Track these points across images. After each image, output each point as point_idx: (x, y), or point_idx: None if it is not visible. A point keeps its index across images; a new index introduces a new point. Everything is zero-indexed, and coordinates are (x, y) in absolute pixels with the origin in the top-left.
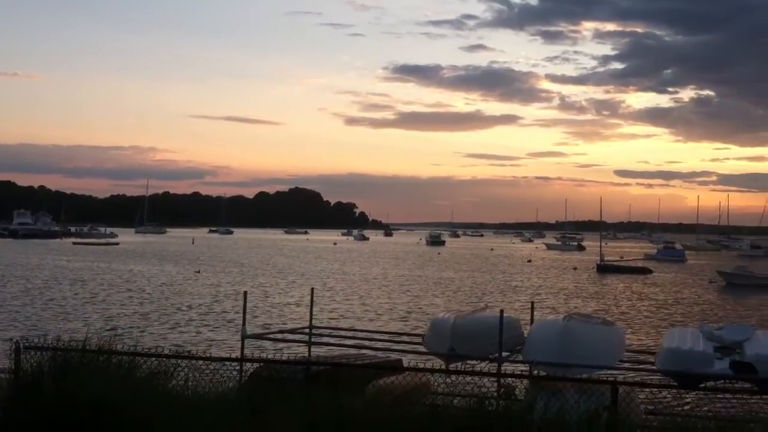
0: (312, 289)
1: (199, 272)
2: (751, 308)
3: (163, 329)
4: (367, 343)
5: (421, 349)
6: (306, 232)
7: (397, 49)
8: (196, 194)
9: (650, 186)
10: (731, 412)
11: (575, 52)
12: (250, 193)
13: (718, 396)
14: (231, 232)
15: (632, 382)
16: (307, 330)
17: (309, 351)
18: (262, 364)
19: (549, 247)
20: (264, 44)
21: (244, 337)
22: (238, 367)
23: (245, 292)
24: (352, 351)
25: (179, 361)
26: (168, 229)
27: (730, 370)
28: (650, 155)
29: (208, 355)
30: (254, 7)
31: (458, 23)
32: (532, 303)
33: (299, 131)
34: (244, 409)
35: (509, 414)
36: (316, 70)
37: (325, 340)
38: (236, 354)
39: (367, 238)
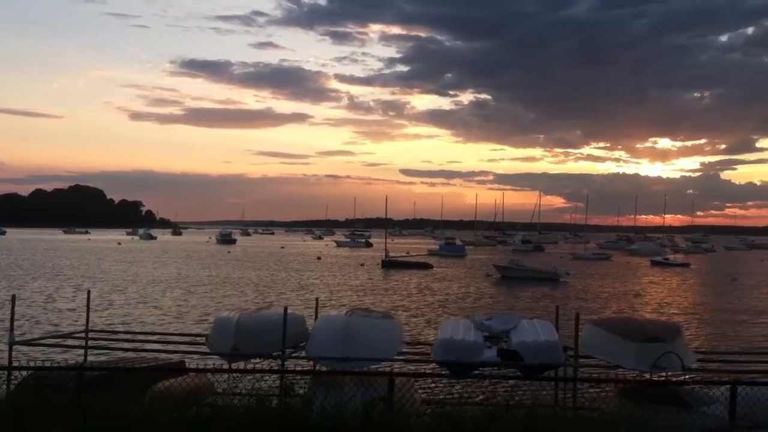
0: (89, 291)
1: None
2: (522, 299)
3: None
4: (149, 345)
5: (206, 349)
6: (87, 232)
7: (185, 43)
8: None
9: (433, 185)
10: (498, 398)
11: (363, 53)
12: (25, 190)
13: (485, 383)
14: (3, 233)
15: (408, 372)
16: (83, 334)
17: (85, 356)
18: (31, 371)
19: (338, 244)
20: (44, 31)
21: (12, 343)
22: (4, 376)
23: (13, 296)
24: (132, 354)
25: None
26: None
27: (497, 358)
28: (433, 155)
29: None
30: None
31: (248, 19)
32: (317, 299)
33: (81, 125)
34: (10, 420)
35: (288, 410)
36: (99, 62)
37: (104, 344)
38: (3, 362)
39: (155, 238)
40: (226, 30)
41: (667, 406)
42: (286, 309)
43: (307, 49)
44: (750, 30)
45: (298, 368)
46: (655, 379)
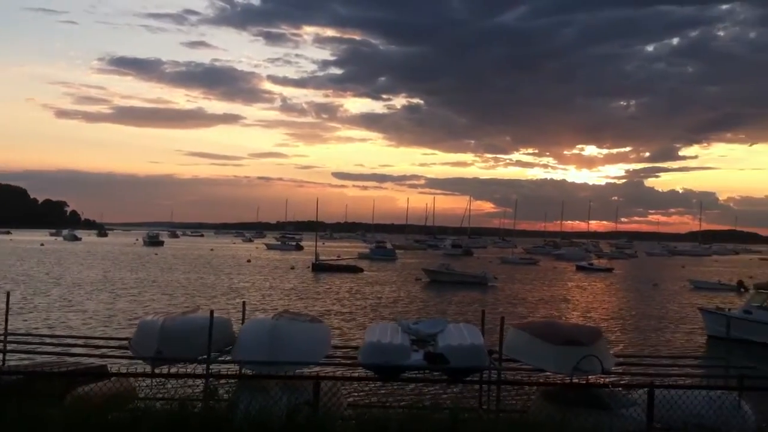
0: (8, 293)
1: None
2: (452, 303)
3: None
4: (71, 350)
5: (129, 353)
6: (9, 232)
7: (115, 40)
8: None
9: (365, 188)
10: (424, 401)
11: (297, 55)
12: None
13: (411, 386)
14: None
15: (334, 376)
16: (1, 338)
17: (3, 360)
18: None
19: (269, 247)
20: None
21: None
22: None
23: None
24: (54, 359)
25: None
26: None
27: (424, 362)
28: (365, 158)
29: None
30: None
31: (180, 18)
32: (244, 303)
33: (4, 122)
34: None
35: (212, 414)
36: (25, 58)
37: (25, 348)
38: None
39: (79, 239)
40: (156, 28)
41: (587, 408)
42: (212, 313)
43: (240, 50)
44: (675, 41)
45: (224, 372)
46: (576, 381)
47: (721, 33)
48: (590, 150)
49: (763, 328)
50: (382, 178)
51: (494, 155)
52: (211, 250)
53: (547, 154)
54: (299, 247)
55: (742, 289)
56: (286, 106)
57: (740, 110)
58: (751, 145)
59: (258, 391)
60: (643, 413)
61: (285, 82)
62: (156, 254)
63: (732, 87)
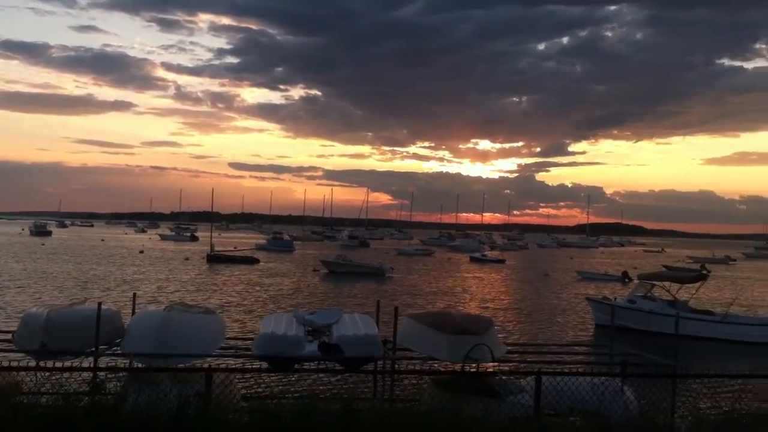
0: None
1: None
2: (351, 294)
3: None
4: None
5: (12, 347)
6: None
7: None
8: None
9: (263, 179)
10: (318, 391)
11: (192, 42)
12: None
13: (306, 377)
14: None
15: (225, 368)
16: None
17: None
18: None
19: (163, 237)
20: None
21: None
22: None
23: None
24: None
25: None
26: None
27: (318, 352)
28: (263, 149)
29: None
30: None
31: (69, 1)
32: (134, 294)
33: None
34: None
35: (98, 408)
36: None
37: None
38: None
39: None
40: (45, 11)
41: (477, 395)
42: (100, 304)
43: (133, 36)
44: (565, 40)
45: (112, 365)
46: (467, 370)
47: (609, 33)
48: (484, 144)
49: (645, 316)
50: (279, 169)
51: (391, 148)
52: (102, 240)
53: (443, 147)
54: (194, 238)
55: (627, 280)
56: (181, 95)
57: (626, 108)
58: (635, 142)
59: (147, 383)
60: (531, 400)
61: (179, 69)
62: (43, 244)
63: (619, 86)
